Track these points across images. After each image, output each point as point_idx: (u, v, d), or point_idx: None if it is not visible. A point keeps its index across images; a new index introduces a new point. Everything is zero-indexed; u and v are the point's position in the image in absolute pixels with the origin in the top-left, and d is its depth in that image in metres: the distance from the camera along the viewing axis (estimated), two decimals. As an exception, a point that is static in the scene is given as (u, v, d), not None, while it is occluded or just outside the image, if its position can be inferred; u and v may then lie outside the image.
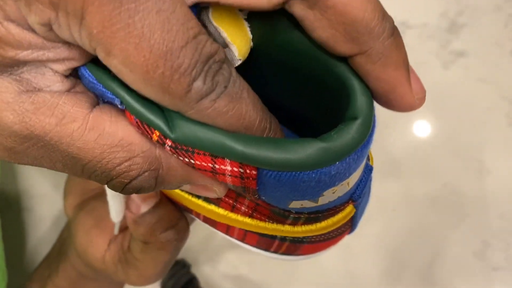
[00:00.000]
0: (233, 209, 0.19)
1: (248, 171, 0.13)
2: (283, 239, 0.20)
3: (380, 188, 0.53)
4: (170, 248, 0.23)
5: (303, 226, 0.18)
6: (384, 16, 0.13)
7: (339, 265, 0.52)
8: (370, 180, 0.18)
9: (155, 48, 0.11)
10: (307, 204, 0.15)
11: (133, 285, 0.26)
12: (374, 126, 0.14)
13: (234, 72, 0.13)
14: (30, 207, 0.52)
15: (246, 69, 0.16)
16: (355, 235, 0.23)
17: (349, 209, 0.18)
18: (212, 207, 0.20)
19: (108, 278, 0.30)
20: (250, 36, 0.15)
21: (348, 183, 0.15)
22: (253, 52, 0.16)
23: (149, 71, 0.11)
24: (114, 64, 0.12)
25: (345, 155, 0.13)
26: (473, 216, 0.52)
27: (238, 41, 0.15)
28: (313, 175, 0.13)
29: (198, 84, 0.12)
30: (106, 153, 0.13)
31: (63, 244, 0.33)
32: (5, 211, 0.43)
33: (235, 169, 0.13)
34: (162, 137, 0.13)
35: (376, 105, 0.15)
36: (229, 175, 0.14)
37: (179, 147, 0.13)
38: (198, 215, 0.21)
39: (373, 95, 0.14)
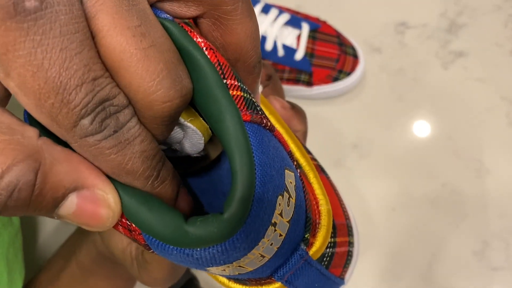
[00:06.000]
0: None
1: (134, 224, 0.13)
2: None
3: (380, 188, 0.53)
4: None
5: (236, 284, 0.19)
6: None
7: (339, 265, 0.52)
8: (309, 264, 0.17)
9: (50, 81, 0.12)
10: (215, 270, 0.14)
11: (143, 283, 0.29)
12: (248, 227, 0.13)
13: (134, 121, 0.14)
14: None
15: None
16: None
17: (277, 285, 0.17)
18: None
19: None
20: (207, 124, 0.16)
21: (239, 266, 0.14)
22: None
23: (41, 99, 0.12)
24: (11, 86, 0.12)
25: (201, 245, 0.12)
26: (473, 216, 0.53)
27: (203, 129, 0.16)
28: (175, 251, 0.13)
29: (85, 122, 0.13)
30: None
31: None
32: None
33: (123, 219, 0.14)
34: None
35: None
36: (120, 225, 0.14)
37: None
38: None
39: None
